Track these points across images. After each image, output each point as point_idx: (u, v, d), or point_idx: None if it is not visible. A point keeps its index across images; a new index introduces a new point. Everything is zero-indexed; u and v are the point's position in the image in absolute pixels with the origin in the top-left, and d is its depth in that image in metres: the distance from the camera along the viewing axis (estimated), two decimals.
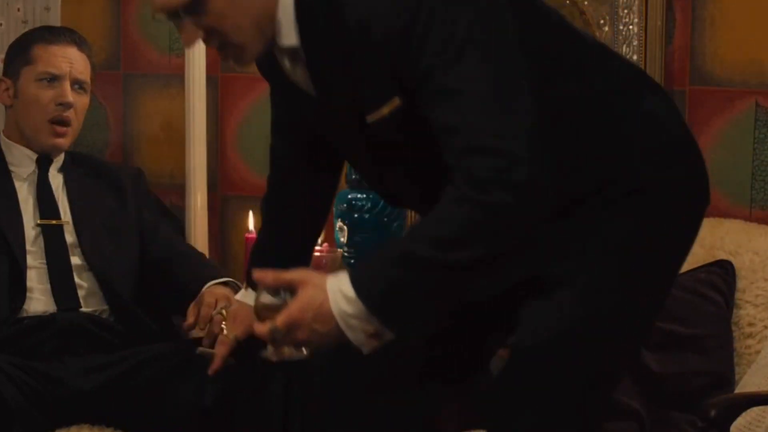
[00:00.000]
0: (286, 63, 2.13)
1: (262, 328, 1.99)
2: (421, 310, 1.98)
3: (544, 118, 1.97)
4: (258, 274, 2.02)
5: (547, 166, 1.93)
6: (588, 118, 2.07)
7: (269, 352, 2.01)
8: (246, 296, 2.58)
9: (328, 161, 2.43)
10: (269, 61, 2.17)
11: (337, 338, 1.97)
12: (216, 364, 2.57)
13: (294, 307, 1.97)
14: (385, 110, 2.02)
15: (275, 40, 2.06)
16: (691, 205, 2.15)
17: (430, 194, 2.07)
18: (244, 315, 2.57)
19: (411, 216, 3.44)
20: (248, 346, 2.56)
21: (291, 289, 1.99)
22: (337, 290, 1.96)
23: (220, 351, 2.57)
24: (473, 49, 1.93)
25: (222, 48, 2.07)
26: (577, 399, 2.06)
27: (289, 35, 2.05)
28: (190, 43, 2.06)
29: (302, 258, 2.54)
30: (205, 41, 2.05)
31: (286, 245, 2.52)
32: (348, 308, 1.95)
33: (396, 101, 2.01)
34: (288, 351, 2.00)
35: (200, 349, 2.65)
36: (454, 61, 1.93)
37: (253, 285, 2.55)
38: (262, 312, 2.01)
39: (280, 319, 1.96)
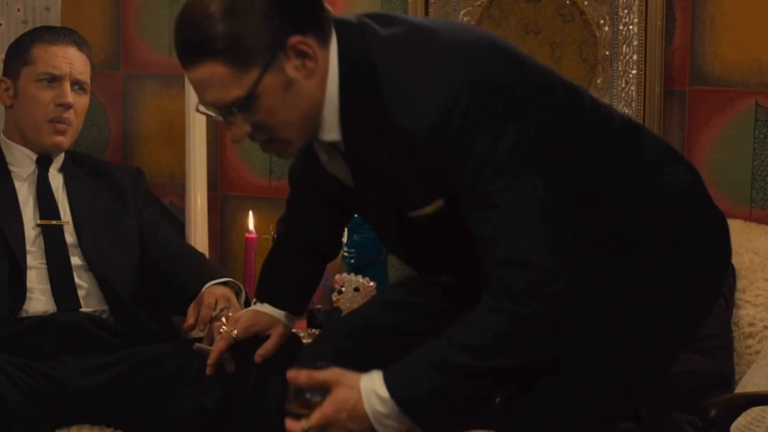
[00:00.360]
0: (324, 155, 2.18)
1: (295, 427, 2.03)
2: (452, 411, 2.06)
3: (572, 198, 2.04)
4: (291, 374, 2.05)
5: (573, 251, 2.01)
6: (614, 195, 2.13)
7: None
8: (255, 306, 2.61)
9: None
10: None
11: None
12: (212, 358, 2.56)
13: (328, 407, 2.02)
14: (429, 209, 2.08)
15: (316, 134, 2.10)
16: (712, 268, 2.20)
17: (461, 273, 2.17)
18: (248, 316, 2.58)
19: None
20: (247, 345, 2.56)
21: (324, 389, 2.04)
22: (371, 391, 2.02)
23: (218, 346, 2.57)
24: (516, 164, 1.98)
25: (269, 143, 2.10)
26: (587, 414, 2.11)
27: (331, 131, 2.09)
28: (238, 137, 2.08)
29: (311, 280, 2.60)
30: (252, 135, 2.08)
31: (297, 267, 2.57)
32: (382, 408, 2.01)
33: (440, 202, 2.07)
34: None
35: (197, 345, 2.65)
36: (496, 175, 1.98)
37: (261, 298, 2.58)
38: (295, 410, 2.04)
39: (315, 419, 2.01)
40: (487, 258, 2.02)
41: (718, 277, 2.23)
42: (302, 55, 2.02)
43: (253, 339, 2.56)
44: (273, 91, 2.02)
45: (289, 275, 2.57)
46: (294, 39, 2.01)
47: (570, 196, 2.04)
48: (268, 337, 2.55)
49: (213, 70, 2.01)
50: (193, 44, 2.02)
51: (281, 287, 2.58)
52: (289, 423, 2.03)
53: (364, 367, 2.28)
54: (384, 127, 2.02)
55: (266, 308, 2.57)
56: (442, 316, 2.31)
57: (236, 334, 2.55)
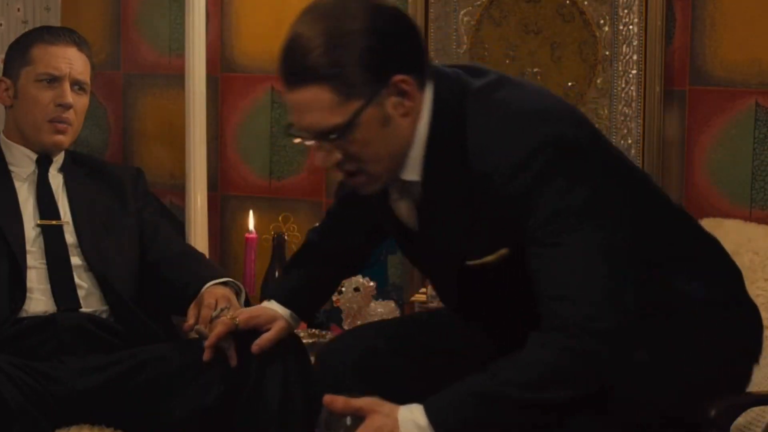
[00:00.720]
0: (396, 194, 2.24)
1: None
2: None
3: (633, 257, 2.12)
4: (327, 399, 2.08)
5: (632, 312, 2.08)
6: (660, 270, 2.22)
7: None
8: (263, 303, 2.64)
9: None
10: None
11: None
12: (210, 341, 2.57)
13: None
14: (491, 258, 2.15)
15: (399, 173, 2.17)
16: (739, 353, 2.30)
17: (507, 325, 2.22)
18: (252, 309, 2.62)
19: None
20: (248, 342, 2.57)
21: (359, 416, 2.06)
22: (410, 420, 2.05)
23: (218, 329, 2.58)
24: (584, 214, 2.06)
25: (353, 175, 2.18)
26: None
27: (413, 171, 2.16)
28: (327, 164, 2.16)
29: (326, 287, 2.66)
30: (339, 164, 2.15)
31: (314, 272, 2.61)
32: None
33: (504, 251, 2.14)
34: None
35: (197, 327, 2.65)
36: (563, 220, 2.06)
37: (269, 295, 2.63)
38: None
39: None
40: (542, 294, 2.07)
41: (747, 360, 2.31)
42: (402, 93, 2.10)
43: (254, 335, 2.57)
44: (371, 124, 2.09)
45: (303, 278, 2.61)
46: (398, 77, 2.08)
47: (632, 254, 2.11)
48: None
49: (318, 95, 2.07)
50: (300, 68, 2.08)
51: (293, 287, 2.61)
52: None
53: (382, 369, 2.32)
54: (463, 173, 2.10)
55: (273, 305, 2.60)
56: (482, 346, 2.36)
57: (237, 321, 2.57)
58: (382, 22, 2.09)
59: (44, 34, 3.03)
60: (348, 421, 2.06)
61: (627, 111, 3.22)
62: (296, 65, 2.08)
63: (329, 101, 2.06)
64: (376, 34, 2.07)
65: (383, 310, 3.10)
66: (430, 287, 3.15)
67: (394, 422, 2.04)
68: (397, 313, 3.13)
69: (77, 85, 3.00)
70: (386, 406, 2.07)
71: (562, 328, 2.03)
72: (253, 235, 3.45)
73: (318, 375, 2.47)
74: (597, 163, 2.11)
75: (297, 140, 2.17)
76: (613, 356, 2.06)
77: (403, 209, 2.25)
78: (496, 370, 2.07)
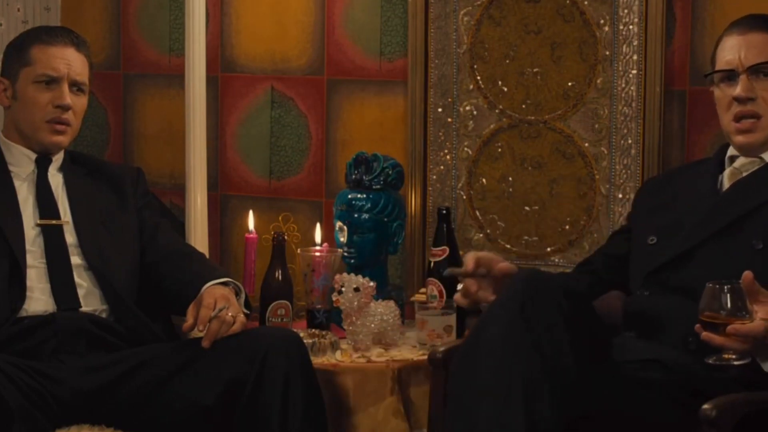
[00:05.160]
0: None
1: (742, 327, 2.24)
2: None
3: None
4: (747, 274, 2.26)
5: None
6: None
7: (713, 358, 2.31)
8: None
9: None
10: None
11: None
12: (469, 266, 2.65)
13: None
14: None
15: None
16: None
17: None
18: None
19: (410, 216, 3.43)
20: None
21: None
22: None
23: (471, 259, 2.65)
24: None
25: (744, 117, 2.63)
26: None
27: None
28: (744, 92, 2.62)
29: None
30: (743, 100, 2.62)
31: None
32: None
33: None
34: (733, 357, 2.30)
35: (450, 269, 2.74)
36: None
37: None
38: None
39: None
40: None
41: None
42: None
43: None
44: None
45: None
46: None
47: None
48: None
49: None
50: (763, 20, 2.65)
51: None
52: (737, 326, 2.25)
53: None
54: None
55: None
56: None
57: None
58: None
59: (42, 35, 3.02)
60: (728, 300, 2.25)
61: (627, 111, 3.22)
62: (760, 18, 2.65)
63: None
64: None
65: (383, 310, 3.10)
66: (429, 288, 3.15)
67: None
68: (397, 313, 3.12)
69: (76, 86, 3.00)
70: None
71: None
72: (253, 235, 3.45)
73: (524, 288, 2.43)
74: None
75: (718, 75, 2.66)
76: None
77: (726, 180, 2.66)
78: None
